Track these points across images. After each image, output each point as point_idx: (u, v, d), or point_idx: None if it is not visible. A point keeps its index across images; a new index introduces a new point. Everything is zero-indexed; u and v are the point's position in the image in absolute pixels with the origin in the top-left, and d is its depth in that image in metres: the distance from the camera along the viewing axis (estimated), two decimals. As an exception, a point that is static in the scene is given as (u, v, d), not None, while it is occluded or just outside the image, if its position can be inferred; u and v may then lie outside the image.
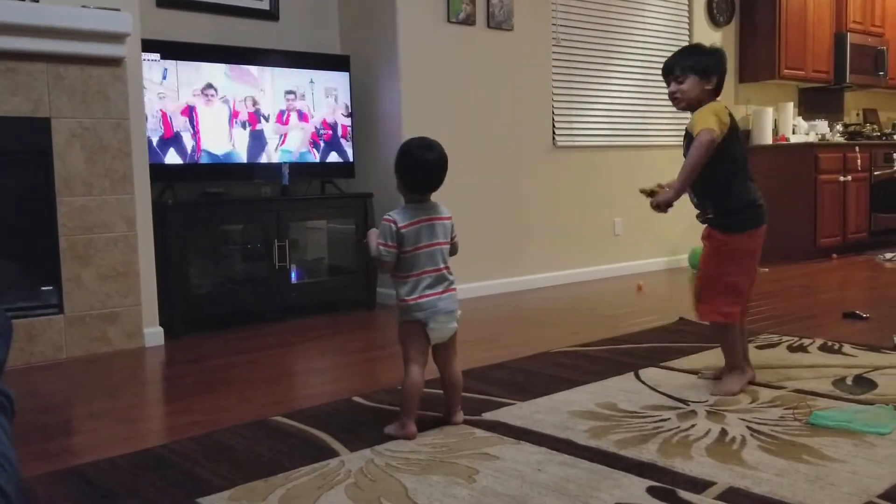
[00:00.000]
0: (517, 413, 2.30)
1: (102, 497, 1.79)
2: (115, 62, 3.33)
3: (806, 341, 3.16)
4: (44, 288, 3.29)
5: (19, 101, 3.12)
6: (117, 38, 3.29)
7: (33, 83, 3.15)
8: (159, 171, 3.68)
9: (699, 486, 1.73)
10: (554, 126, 5.01)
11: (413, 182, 2.13)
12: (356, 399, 2.51)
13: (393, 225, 2.09)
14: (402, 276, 2.11)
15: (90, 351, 3.32)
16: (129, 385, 2.88)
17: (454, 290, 2.14)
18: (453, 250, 2.18)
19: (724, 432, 2.08)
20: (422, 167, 2.12)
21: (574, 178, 5.15)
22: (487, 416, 2.28)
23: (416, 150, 2.13)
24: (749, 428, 2.11)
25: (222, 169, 3.93)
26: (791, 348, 3.05)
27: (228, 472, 1.90)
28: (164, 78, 3.72)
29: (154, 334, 3.50)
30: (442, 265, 2.12)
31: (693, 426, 2.14)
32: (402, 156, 2.14)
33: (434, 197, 2.18)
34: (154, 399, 2.76)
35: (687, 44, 5.77)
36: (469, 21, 4.52)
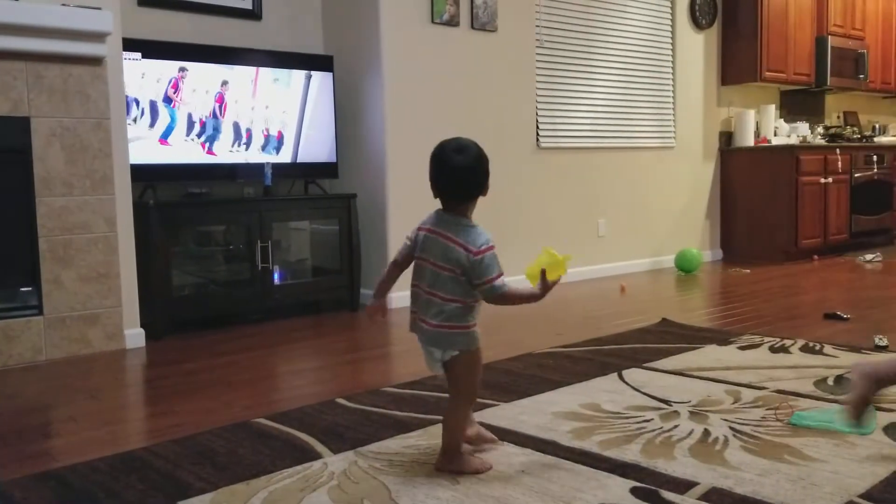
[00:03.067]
0: (501, 414, 2.30)
1: (82, 500, 1.77)
2: (95, 61, 3.30)
3: (787, 342, 3.18)
4: (23, 289, 3.25)
5: (-2, 99, 3.09)
6: (98, 36, 3.25)
7: (12, 82, 3.12)
8: (140, 172, 3.65)
9: (682, 486, 1.74)
10: (538, 127, 5.02)
11: (433, 186, 1.87)
12: (339, 401, 2.50)
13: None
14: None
15: (70, 353, 3.29)
16: (109, 387, 2.85)
17: (435, 326, 1.81)
18: (482, 295, 1.83)
19: (706, 433, 2.09)
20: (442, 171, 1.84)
21: (558, 179, 5.16)
22: (471, 417, 2.28)
23: (446, 151, 1.84)
24: (731, 428, 2.12)
25: (204, 169, 3.90)
26: (773, 349, 3.07)
27: (210, 475, 1.88)
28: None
29: (135, 336, 3.47)
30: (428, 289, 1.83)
31: (676, 427, 2.15)
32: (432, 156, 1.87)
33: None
34: (135, 401, 2.73)
35: (662, 47, 5.81)
36: (453, 22, 4.52)
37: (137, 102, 3.68)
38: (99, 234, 3.35)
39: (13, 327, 3.16)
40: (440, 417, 2.25)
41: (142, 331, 3.50)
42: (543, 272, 1.80)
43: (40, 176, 3.20)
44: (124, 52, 3.51)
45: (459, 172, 1.81)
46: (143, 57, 3.68)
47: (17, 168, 3.20)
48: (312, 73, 4.23)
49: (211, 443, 2.12)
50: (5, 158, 3.20)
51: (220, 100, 3.92)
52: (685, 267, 5.45)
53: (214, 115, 3.91)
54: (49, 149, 3.22)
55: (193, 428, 2.27)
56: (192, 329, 3.74)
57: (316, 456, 2.00)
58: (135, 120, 3.67)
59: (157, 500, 1.75)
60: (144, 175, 3.70)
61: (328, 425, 2.25)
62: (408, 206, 4.37)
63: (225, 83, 3.94)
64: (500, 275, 1.80)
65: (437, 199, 1.88)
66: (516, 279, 1.89)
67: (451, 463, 1.87)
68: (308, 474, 1.87)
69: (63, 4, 3.16)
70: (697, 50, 6.02)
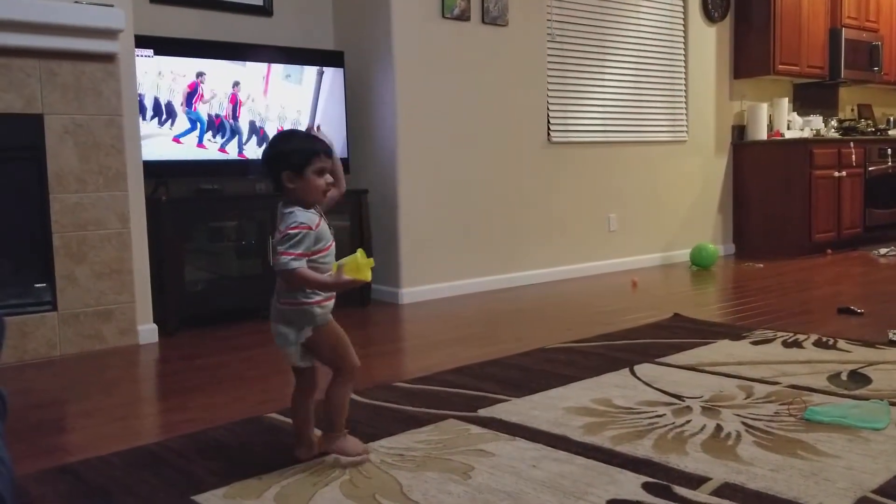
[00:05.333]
0: (512, 409, 2.30)
1: (96, 495, 1.78)
2: (108, 58, 3.32)
3: (801, 337, 3.16)
4: (37, 285, 3.28)
5: (12, 97, 3.11)
6: (110, 34, 3.27)
7: (26, 79, 3.14)
8: (153, 168, 3.66)
9: (694, 481, 1.73)
10: (549, 122, 5.01)
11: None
12: (350, 395, 2.50)
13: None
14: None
15: (84, 348, 3.31)
16: (123, 382, 2.87)
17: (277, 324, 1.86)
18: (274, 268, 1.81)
19: (719, 428, 2.08)
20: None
21: (569, 173, 5.14)
22: (482, 412, 2.28)
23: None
24: (744, 424, 2.11)
25: (216, 165, 3.92)
26: (786, 344, 3.05)
27: (223, 470, 1.89)
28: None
29: (148, 331, 3.49)
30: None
31: (688, 422, 2.14)
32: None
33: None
34: (148, 396, 2.75)
35: (674, 40, 5.78)
36: (464, 17, 4.51)
37: (152, 100, 3.69)
38: (112, 230, 3.37)
39: (28, 323, 3.18)
40: (452, 413, 2.27)
41: (155, 326, 3.52)
42: (340, 266, 1.76)
43: (54, 173, 3.22)
44: (137, 49, 3.52)
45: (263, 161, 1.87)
46: (156, 54, 3.70)
47: (31, 165, 3.22)
48: (324, 69, 4.23)
49: (223, 437, 2.13)
50: (19, 155, 3.23)
51: (234, 98, 3.93)
52: (701, 262, 5.43)
53: (230, 115, 3.91)
54: (62, 146, 3.24)
55: (206, 423, 2.28)
56: (205, 324, 3.76)
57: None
58: (148, 117, 3.68)
59: (171, 494, 1.77)
60: (157, 171, 3.72)
61: (340, 420, 2.25)
62: (419, 201, 4.37)
63: (237, 82, 3.94)
64: (296, 255, 1.75)
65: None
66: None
67: (334, 443, 1.90)
68: (320, 469, 1.87)
69: (76, 2, 3.18)
70: (710, 43, 5.98)
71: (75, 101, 3.25)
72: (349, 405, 1.94)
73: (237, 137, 3.96)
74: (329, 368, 1.92)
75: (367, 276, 1.74)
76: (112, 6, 3.24)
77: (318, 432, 1.95)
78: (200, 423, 2.29)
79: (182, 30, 3.99)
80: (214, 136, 3.89)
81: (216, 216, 3.93)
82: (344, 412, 1.91)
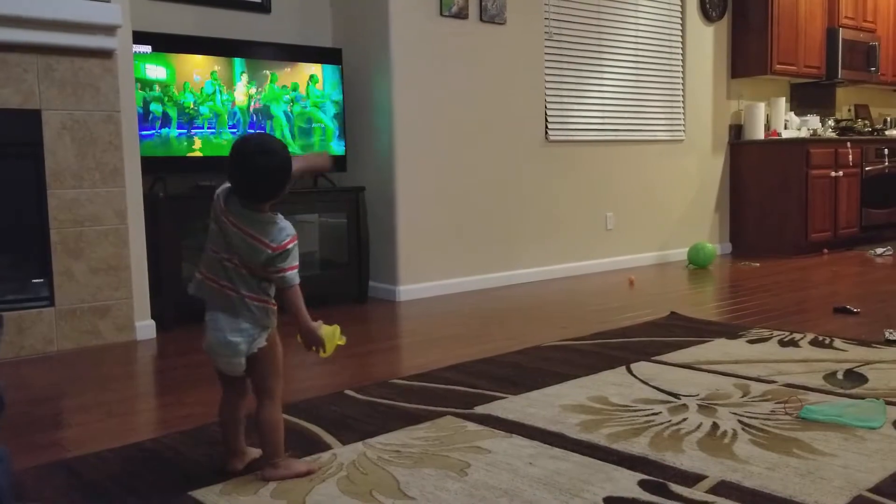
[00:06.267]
0: (508, 407, 2.30)
1: (93, 490, 1.79)
2: (106, 54, 3.31)
3: (797, 336, 3.17)
4: (35, 280, 3.28)
5: (9, 92, 3.10)
6: (108, 29, 3.26)
7: (23, 75, 3.13)
8: (150, 164, 3.66)
9: (690, 479, 1.74)
10: (546, 120, 5.01)
11: (237, 186, 1.76)
12: (348, 392, 2.51)
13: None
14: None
15: (81, 344, 3.31)
16: (120, 378, 2.87)
17: (239, 320, 1.77)
18: (277, 283, 1.78)
19: (715, 426, 2.09)
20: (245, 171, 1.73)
21: (566, 172, 5.15)
22: (479, 409, 2.29)
23: (249, 149, 1.74)
24: (740, 422, 2.12)
25: (214, 161, 3.91)
26: (782, 343, 3.06)
27: (220, 465, 1.89)
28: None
29: (145, 327, 3.49)
30: (225, 282, 1.77)
31: (684, 420, 2.15)
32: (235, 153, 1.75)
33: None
34: (145, 392, 2.75)
35: (672, 39, 5.79)
36: (462, 15, 4.51)
37: (148, 96, 3.69)
38: (110, 226, 3.37)
39: (25, 318, 3.18)
40: (449, 409, 2.27)
41: (152, 322, 3.52)
42: (320, 325, 1.81)
43: (51, 168, 3.22)
44: (134, 45, 3.51)
45: (260, 176, 1.73)
46: (154, 50, 3.69)
47: (29, 161, 3.22)
48: (322, 66, 4.23)
49: (220, 433, 2.13)
50: (17, 151, 3.22)
51: (231, 94, 3.93)
52: (698, 261, 5.44)
53: (228, 111, 3.91)
54: (59, 141, 3.23)
55: (203, 419, 2.28)
56: (202, 321, 3.75)
57: (325, 447, 2.01)
58: (145, 113, 3.67)
59: (168, 490, 1.77)
60: (154, 167, 3.71)
61: (337, 417, 2.26)
62: (416, 198, 4.37)
63: (235, 78, 3.94)
64: (296, 268, 1.79)
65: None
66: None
67: (280, 468, 1.80)
68: (317, 465, 1.87)
69: (73, -3, 3.17)
70: (707, 42, 5.99)
71: (73, 97, 3.25)
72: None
73: (235, 134, 3.96)
74: (256, 389, 1.81)
75: (329, 350, 1.82)
76: (109, 1, 3.24)
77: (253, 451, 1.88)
78: (198, 418, 2.30)
79: (180, 26, 3.98)
80: (212, 132, 3.89)
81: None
82: (282, 433, 1.81)
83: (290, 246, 1.76)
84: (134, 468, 1.91)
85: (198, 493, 1.74)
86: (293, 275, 1.77)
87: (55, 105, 3.21)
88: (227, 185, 1.79)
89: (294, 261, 1.77)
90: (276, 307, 1.81)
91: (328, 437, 2.08)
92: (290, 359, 3.15)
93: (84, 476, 1.87)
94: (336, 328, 1.82)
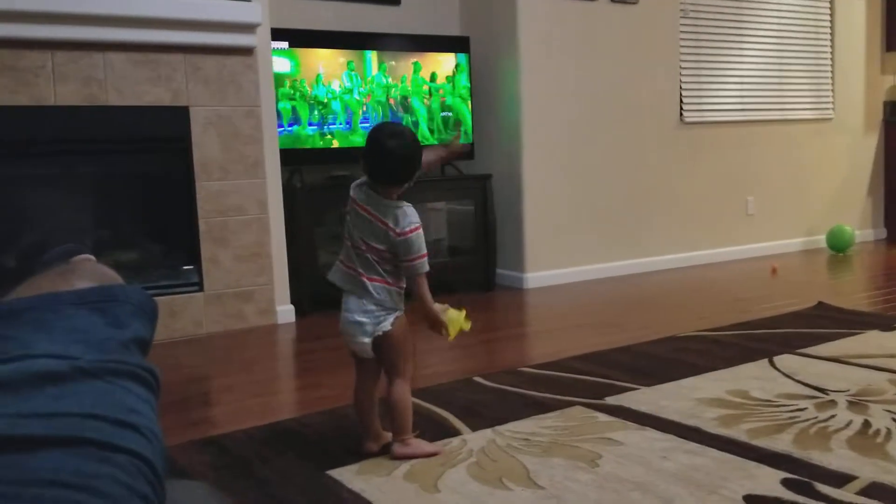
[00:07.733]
0: (641, 398, 2.25)
1: (239, 466, 1.89)
2: (246, 51, 3.47)
3: (962, 329, 2.91)
4: (185, 267, 3.50)
5: (161, 90, 3.31)
6: (249, 28, 3.42)
7: (173, 73, 3.34)
8: (288, 156, 3.81)
9: (839, 479, 1.63)
10: (682, 101, 4.83)
11: (370, 169, 1.87)
12: (476, 379, 2.53)
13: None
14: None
15: (227, 327, 3.50)
16: (262, 360, 3.02)
17: (364, 302, 1.86)
18: (406, 272, 1.85)
19: (867, 424, 1.95)
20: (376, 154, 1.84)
21: (703, 154, 4.95)
22: (610, 400, 2.24)
23: (383, 136, 1.85)
24: (895, 420, 1.97)
25: (348, 152, 4.03)
26: (945, 336, 2.82)
27: (355, 446, 1.95)
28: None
29: (285, 312, 3.65)
30: (355, 267, 1.88)
31: (832, 417, 2.02)
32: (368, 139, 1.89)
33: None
34: (286, 374, 2.88)
35: (819, 11, 5.42)
36: (592, -4, 4.41)
37: (290, 91, 3.84)
38: (252, 216, 3.54)
39: (177, 303, 3.40)
40: (579, 399, 2.24)
41: (292, 307, 3.68)
42: (446, 310, 1.88)
43: (199, 162, 3.42)
44: (272, 42, 3.67)
45: (390, 158, 1.83)
46: (291, 46, 3.84)
47: (178, 155, 3.43)
48: (455, 55, 4.26)
49: (355, 415, 2.20)
50: (168, 147, 3.44)
51: (363, 87, 4.02)
52: (838, 246, 5.09)
53: (361, 103, 4.01)
54: (205, 136, 3.42)
55: (339, 400, 2.36)
56: (337, 306, 3.88)
57: (455, 432, 2.03)
58: (287, 107, 3.83)
59: (308, 468, 1.84)
60: (292, 159, 3.87)
61: (466, 403, 2.28)
62: (543, 185, 4.33)
63: (367, 71, 4.03)
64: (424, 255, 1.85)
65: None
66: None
67: (408, 446, 1.87)
68: (447, 450, 1.90)
69: (217, -2, 3.35)
70: (859, 13, 5.56)
71: (218, 94, 3.43)
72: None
73: (367, 125, 4.05)
74: (387, 370, 1.89)
75: (453, 334, 1.88)
76: (250, 1, 3.39)
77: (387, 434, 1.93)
78: (333, 400, 2.38)
79: (314, 21, 4.11)
80: (345, 125, 4.00)
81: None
82: (410, 412, 1.89)
83: (412, 235, 1.82)
84: (276, 446, 2.00)
85: (335, 472, 1.80)
86: (421, 263, 1.83)
87: (201, 101, 3.41)
88: (361, 179, 1.90)
89: (421, 249, 1.83)
90: (401, 290, 1.88)
91: (458, 423, 2.10)
92: (419, 345, 3.21)
93: (231, 452, 1.98)
94: (462, 312, 1.88)
